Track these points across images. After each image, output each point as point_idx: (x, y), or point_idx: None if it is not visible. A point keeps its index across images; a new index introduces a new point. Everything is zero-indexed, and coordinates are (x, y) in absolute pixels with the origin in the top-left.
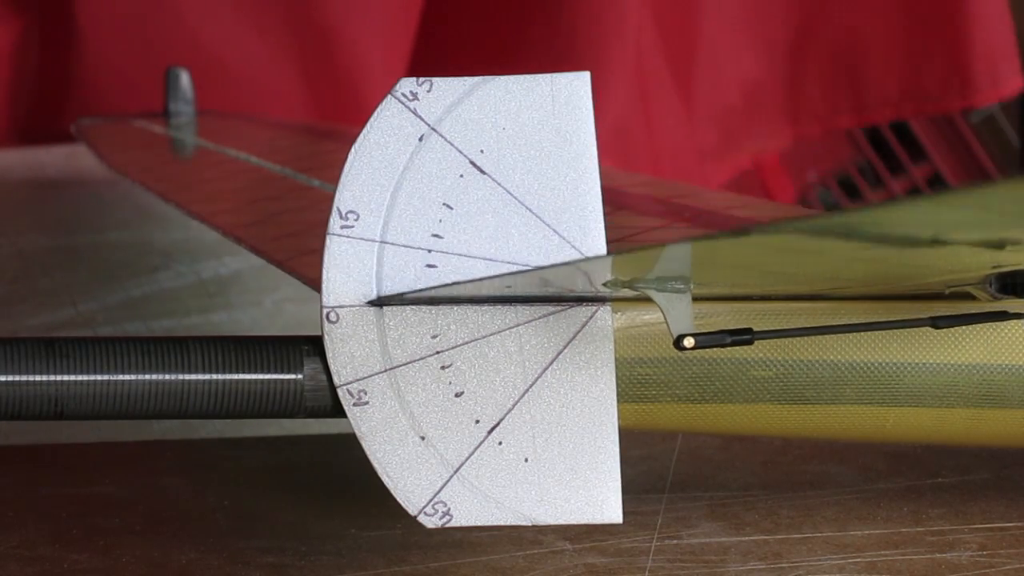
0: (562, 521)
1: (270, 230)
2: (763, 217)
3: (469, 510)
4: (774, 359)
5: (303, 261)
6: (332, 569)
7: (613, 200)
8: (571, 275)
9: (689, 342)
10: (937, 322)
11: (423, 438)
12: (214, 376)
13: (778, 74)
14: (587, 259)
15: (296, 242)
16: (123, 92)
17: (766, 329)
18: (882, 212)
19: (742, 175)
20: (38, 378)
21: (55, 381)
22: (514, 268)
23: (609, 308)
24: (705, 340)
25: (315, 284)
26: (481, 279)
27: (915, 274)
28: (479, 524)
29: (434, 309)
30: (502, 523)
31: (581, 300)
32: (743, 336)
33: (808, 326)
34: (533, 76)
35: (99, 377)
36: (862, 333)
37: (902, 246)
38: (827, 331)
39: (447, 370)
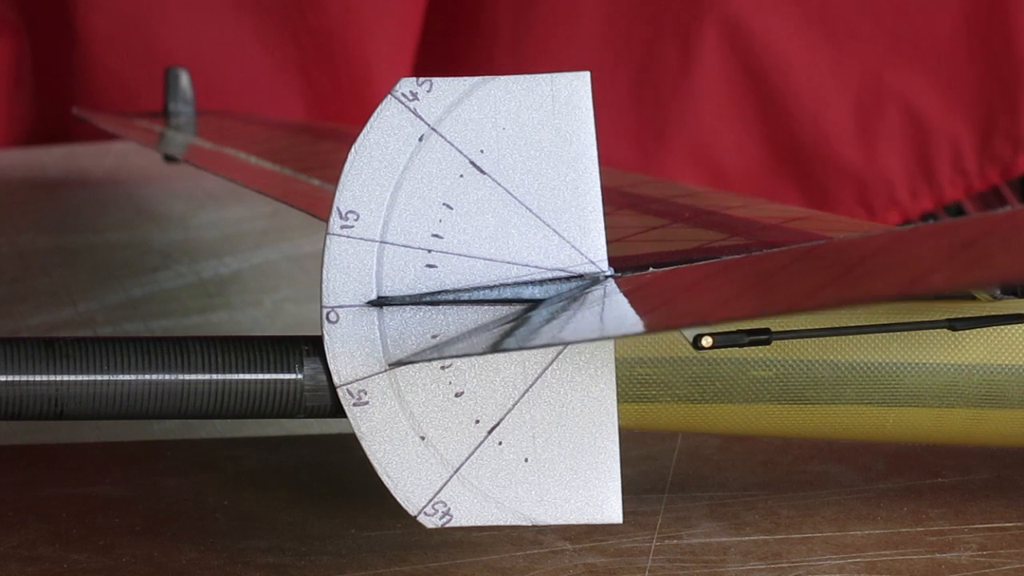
0: (562, 521)
1: (276, 192)
2: (760, 218)
3: (469, 510)
4: (774, 359)
5: (317, 207)
6: (332, 569)
7: (613, 200)
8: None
9: (707, 341)
10: (955, 324)
11: (423, 438)
12: (214, 376)
13: None
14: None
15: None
16: (123, 93)
17: (780, 330)
18: None
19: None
20: (38, 378)
21: (55, 381)
22: (514, 268)
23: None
24: (724, 340)
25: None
26: (484, 328)
27: None
28: (479, 524)
29: (434, 309)
30: (502, 523)
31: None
32: (761, 336)
33: (817, 327)
34: (533, 76)
35: (99, 377)
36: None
37: None
38: (844, 332)
39: (447, 370)
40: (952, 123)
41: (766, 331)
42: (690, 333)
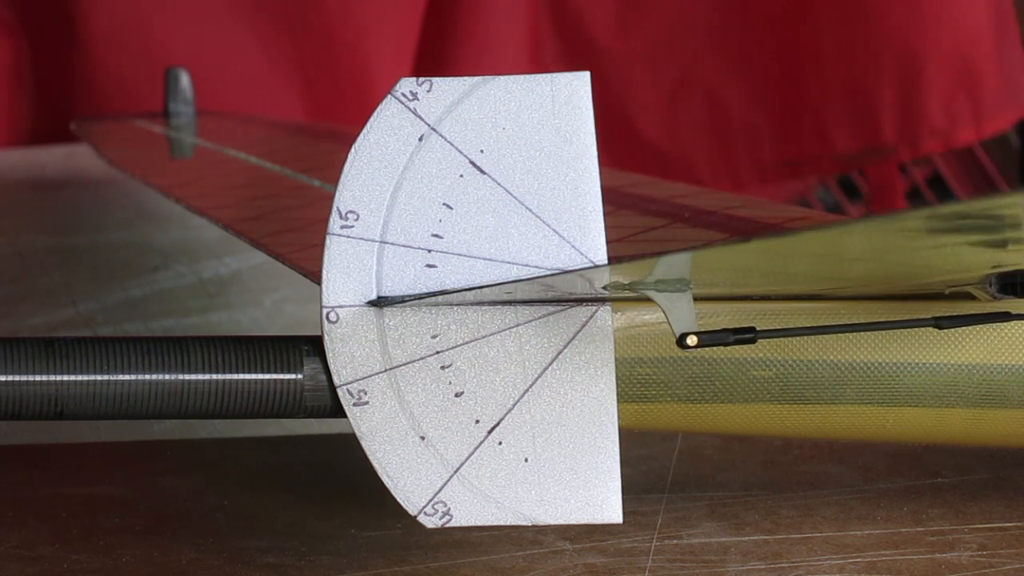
0: (562, 521)
1: (270, 225)
2: (761, 218)
3: (469, 510)
4: (774, 359)
5: (304, 255)
6: (332, 569)
7: (613, 200)
8: (571, 281)
9: (692, 340)
10: (940, 323)
11: (423, 438)
12: (214, 376)
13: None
14: (587, 268)
15: (297, 237)
16: (123, 94)
17: (768, 328)
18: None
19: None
20: (38, 378)
21: (55, 381)
22: (514, 268)
23: (609, 308)
24: (708, 339)
25: (316, 278)
26: (482, 287)
27: (915, 274)
28: (479, 524)
29: (434, 309)
30: (502, 523)
31: (581, 300)
32: (746, 335)
33: (810, 326)
34: (533, 76)
35: (99, 377)
36: (862, 333)
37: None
38: (830, 331)
39: (447, 370)
40: (754, 117)
41: (751, 330)
42: (676, 332)
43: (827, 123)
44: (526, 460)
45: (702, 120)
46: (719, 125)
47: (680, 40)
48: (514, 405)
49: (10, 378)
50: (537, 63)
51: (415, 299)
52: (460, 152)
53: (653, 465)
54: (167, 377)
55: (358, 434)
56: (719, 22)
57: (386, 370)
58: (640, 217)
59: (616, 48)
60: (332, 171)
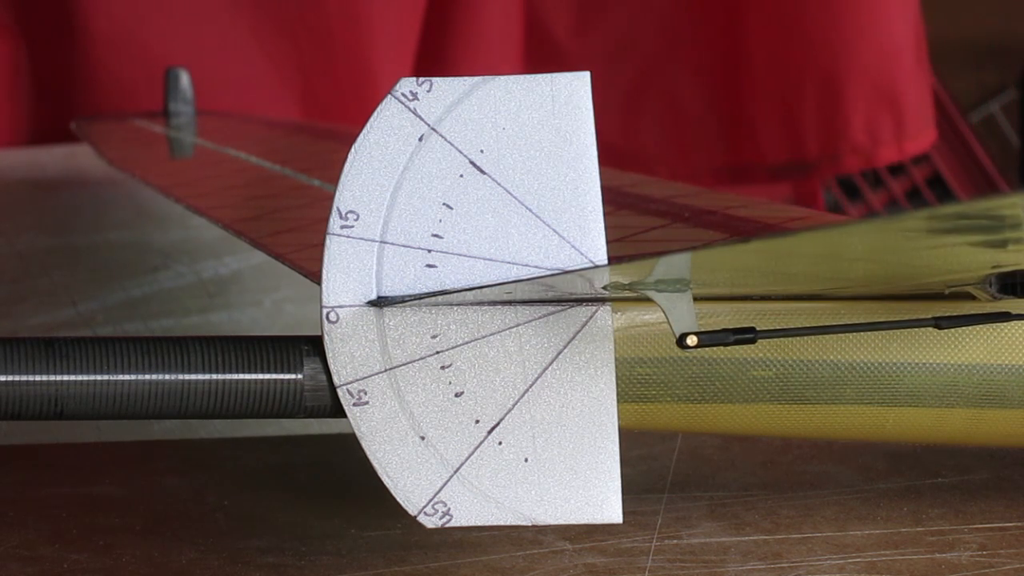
0: (562, 521)
1: (270, 225)
2: (761, 218)
3: (469, 510)
4: (774, 359)
5: (304, 255)
6: (332, 569)
7: (613, 200)
8: (571, 281)
9: (692, 340)
10: (940, 323)
11: (423, 438)
12: (214, 376)
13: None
14: (587, 268)
15: (296, 237)
16: (123, 94)
17: (768, 328)
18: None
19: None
20: (38, 378)
21: (55, 381)
22: (514, 268)
23: (609, 308)
24: (708, 339)
25: (316, 278)
26: (482, 287)
27: (915, 274)
28: (479, 524)
29: (434, 309)
30: (502, 523)
31: (581, 300)
32: (746, 335)
33: (810, 326)
34: (533, 76)
35: (99, 377)
36: (862, 333)
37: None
38: (830, 331)
39: (447, 370)
40: (706, 120)
41: (751, 330)
42: (676, 332)
43: (759, 134)
44: (526, 460)
45: (659, 120)
46: (675, 126)
47: (638, 41)
48: (514, 405)
49: (10, 378)
50: (524, 63)
51: (415, 299)
52: (460, 152)
53: (653, 465)
54: (167, 377)
55: (358, 434)
56: (675, 24)
57: (386, 370)
58: (640, 217)
59: (575, 47)
60: (332, 171)
